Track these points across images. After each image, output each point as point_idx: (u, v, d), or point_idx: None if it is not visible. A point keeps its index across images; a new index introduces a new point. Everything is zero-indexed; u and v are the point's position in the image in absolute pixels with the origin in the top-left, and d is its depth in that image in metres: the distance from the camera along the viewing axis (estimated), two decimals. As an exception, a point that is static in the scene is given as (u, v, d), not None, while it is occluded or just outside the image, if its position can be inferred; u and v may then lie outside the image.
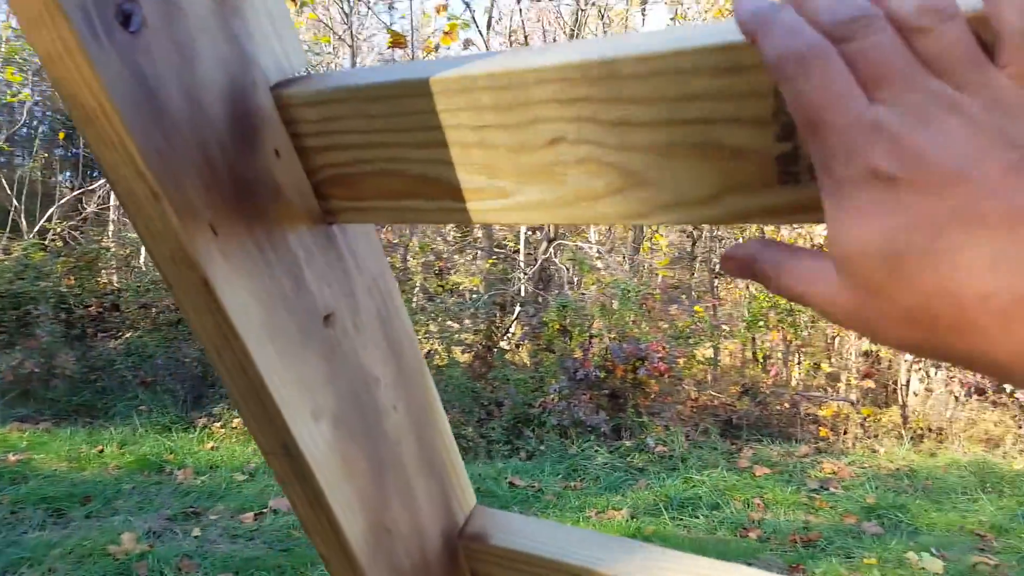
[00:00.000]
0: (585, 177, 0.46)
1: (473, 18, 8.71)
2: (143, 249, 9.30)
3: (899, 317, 0.33)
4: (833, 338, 8.17)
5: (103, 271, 9.11)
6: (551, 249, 8.71)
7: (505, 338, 8.29)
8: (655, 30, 0.43)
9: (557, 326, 7.35)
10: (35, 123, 12.64)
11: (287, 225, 0.56)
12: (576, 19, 9.26)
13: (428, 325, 7.71)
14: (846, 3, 0.34)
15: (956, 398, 6.85)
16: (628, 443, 6.24)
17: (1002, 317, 0.30)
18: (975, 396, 6.79)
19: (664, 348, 6.66)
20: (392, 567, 0.70)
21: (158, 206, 0.47)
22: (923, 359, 7.02)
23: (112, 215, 10.76)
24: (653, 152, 0.43)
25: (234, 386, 0.57)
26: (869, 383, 7.56)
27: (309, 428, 0.59)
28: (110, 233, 10.35)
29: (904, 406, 7.18)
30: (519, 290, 8.80)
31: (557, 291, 8.81)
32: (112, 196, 10.68)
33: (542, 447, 6.22)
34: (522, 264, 9.20)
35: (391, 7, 10.16)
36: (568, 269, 9.12)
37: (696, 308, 8.09)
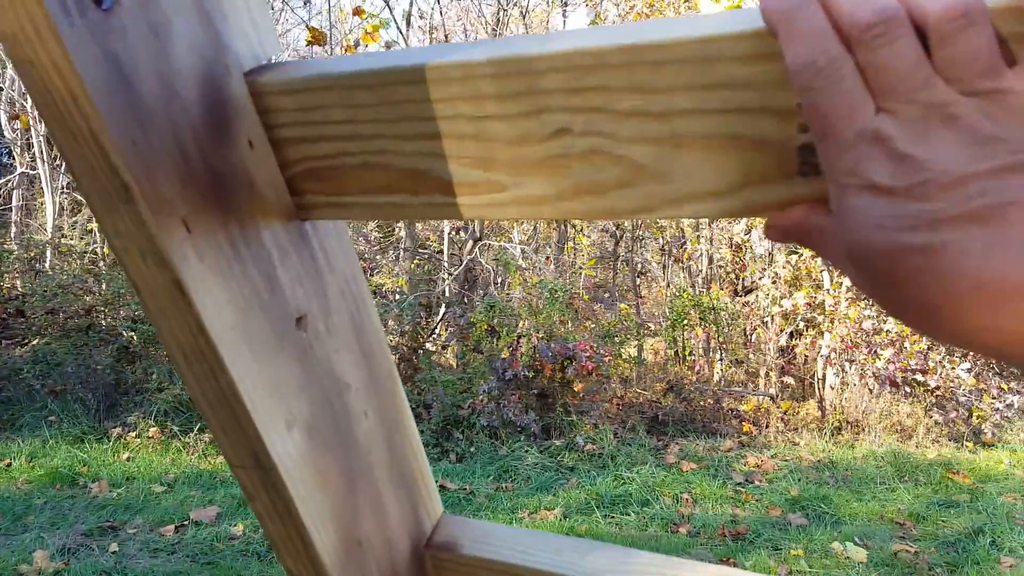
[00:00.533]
0: (590, 170, 0.44)
1: (392, 16, 8.62)
2: (49, 252, 8.90)
3: (904, 308, 0.36)
4: (751, 334, 8.39)
5: (6, 275, 8.67)
6: (476, 249, 8.69)
7: (431, 339, 8.23)
8: (675, 18, 0.41)
9: (485, 326, 7.33)
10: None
11: (260, 221, 0.53)
12: (498, 19, 9.27)
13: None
14: (870, 3, 0.34)
15: (870, 391, 7.11)
16: (558, 442, 6.27)
17: (992, 305, 0.32)
18: (888, 389, 7.06)
19: (591, 347, 6.71)
20: (364, 580, 0.67)
21: (130, 201, 0.43)
22: (838, 355, 7.27)
23: (15, 216, 10.26)
24: (668, 143, 0.42)
25: (202, 394, 0.53)
26: (787, 378, 7.78)
27: (282, 437, 0.56)
28: (12, 235, 9.87)
29: (821, 400, 7.42)
30: (444, 291, 8.76)
31: (483, 291, 8.80)
32: (15, 196, 10.19)
33: (472, 449, 6.19)
34: (446, 264, 9.15)
35: (307, 2, 9.94)
36: (493, 270, 9.11)
37: (622, 307, 8.19)
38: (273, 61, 0.52)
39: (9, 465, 5.50)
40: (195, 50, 0.46)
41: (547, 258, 9.56)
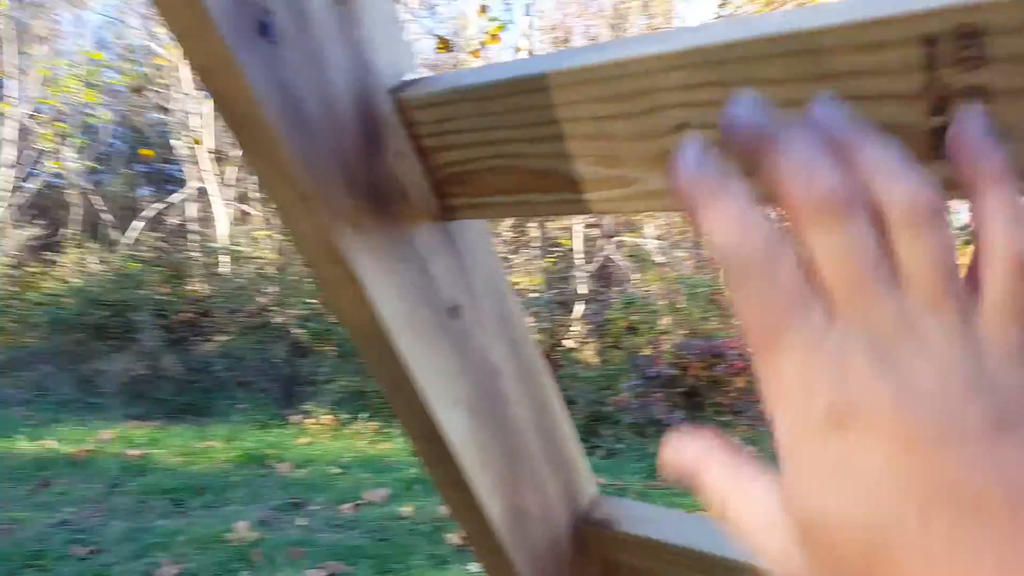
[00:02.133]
0: None
1: (512, 17, 8.62)
2: (227, 258, 9.64)
3: None
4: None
5: (190, 280, 9.48)
6: (609, 245, 8.56)
7: (570, 336, 8.21)
8: (785, 10, 0.42)
9: (624, 323, 7.20)
10: (113, 142, 13.19)
11: (412, 224, 0.58)
12: (618, 11, 9.06)
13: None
14: (820, 176, 0.27)
15: None
16: (712, 443, 6.09)
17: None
18: None
19: (741, 344, 6.45)
20: (530, 547, 0.70)
21: (308, 209, 0.49)
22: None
23: (193, 227, 11.08)
24: None
25: (380, 376, 0.59)
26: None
27: (448, 416, 0.61)
28: (195, 244, 10.70)
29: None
30: (578, 288, 8.69)
31: (619, 288, 8.67)
32: (194, 209, 11.02)
33: (620, 445, 6.10)
34: (581, 262, 9.05)
35: (432, 11, 10.18)
36: (628, 266, 8.96)
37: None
38: (411, 78, 0.57)
39: (210, 446, 6.06)
40: (347, 74, 0.52)
41: (686, 252, 9.26)
